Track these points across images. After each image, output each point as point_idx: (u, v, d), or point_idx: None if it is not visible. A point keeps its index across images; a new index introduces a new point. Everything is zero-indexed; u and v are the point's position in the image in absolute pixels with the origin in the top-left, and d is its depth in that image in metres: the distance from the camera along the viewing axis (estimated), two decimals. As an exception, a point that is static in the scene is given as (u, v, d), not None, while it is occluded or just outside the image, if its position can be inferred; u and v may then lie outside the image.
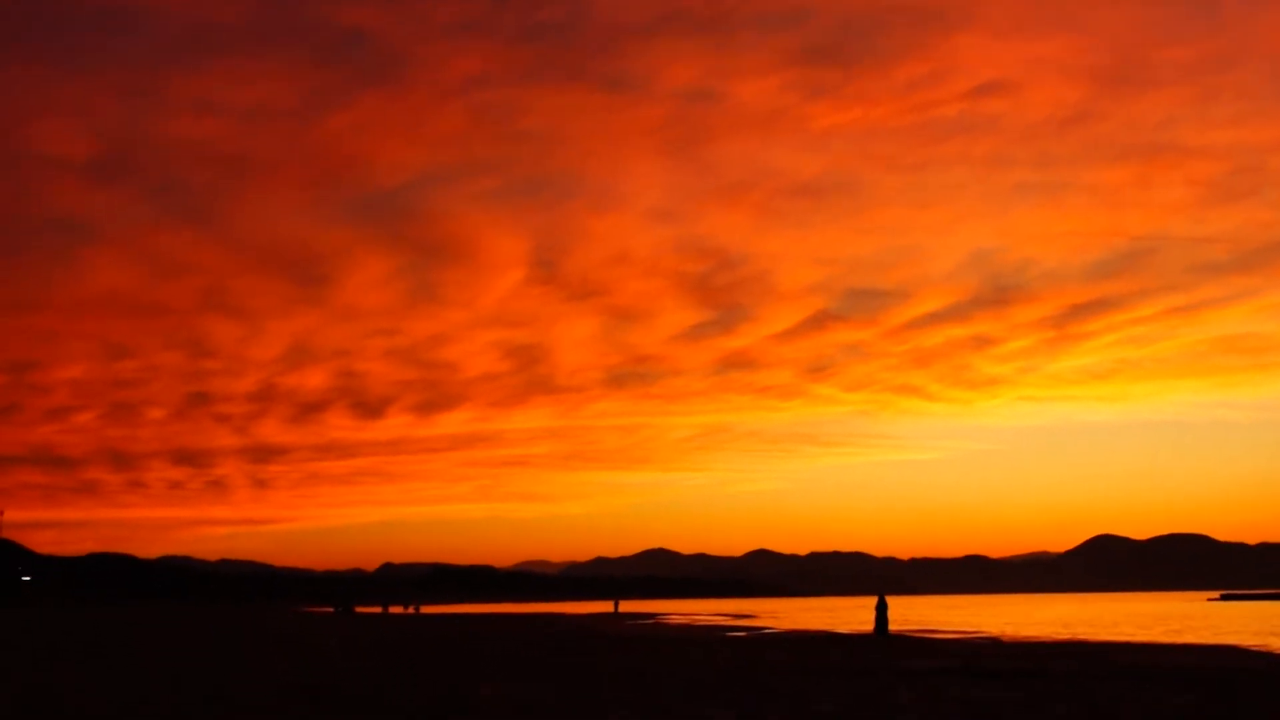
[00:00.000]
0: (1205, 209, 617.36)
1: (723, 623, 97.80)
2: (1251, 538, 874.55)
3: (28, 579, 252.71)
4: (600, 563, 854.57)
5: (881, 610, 56.17)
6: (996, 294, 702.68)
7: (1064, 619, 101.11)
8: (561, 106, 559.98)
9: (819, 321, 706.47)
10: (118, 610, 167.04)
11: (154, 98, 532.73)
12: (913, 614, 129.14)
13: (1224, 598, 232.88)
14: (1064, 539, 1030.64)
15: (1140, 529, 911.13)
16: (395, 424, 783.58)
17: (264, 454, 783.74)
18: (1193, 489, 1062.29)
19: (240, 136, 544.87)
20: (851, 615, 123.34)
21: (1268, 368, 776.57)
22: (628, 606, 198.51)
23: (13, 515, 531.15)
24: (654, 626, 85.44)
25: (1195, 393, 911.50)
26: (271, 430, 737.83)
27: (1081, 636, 62.34)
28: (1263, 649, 48.70)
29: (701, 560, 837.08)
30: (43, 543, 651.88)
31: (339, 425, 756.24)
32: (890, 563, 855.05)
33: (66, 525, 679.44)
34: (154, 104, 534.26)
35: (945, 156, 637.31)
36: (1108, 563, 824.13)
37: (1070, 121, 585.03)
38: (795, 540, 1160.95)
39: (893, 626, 63.72)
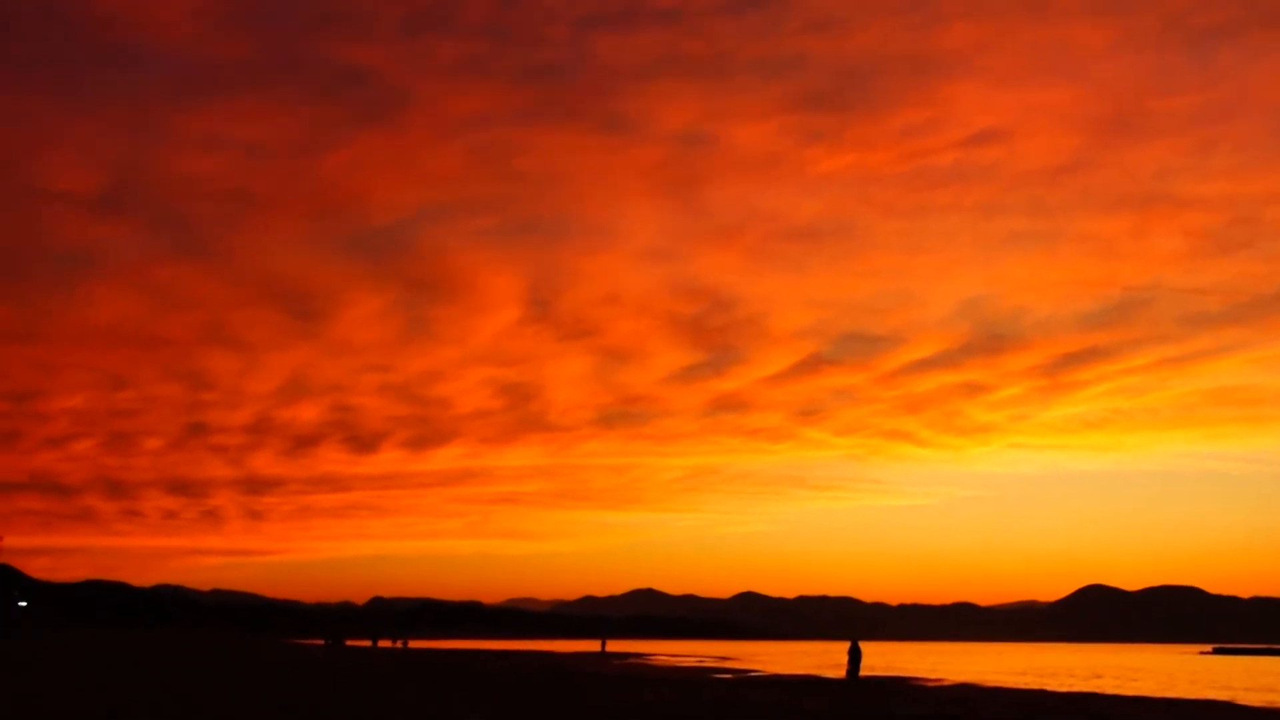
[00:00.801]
0: (1200, 260, 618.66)
1: (708, 664, 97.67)
2: (1244, 591, 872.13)
3: (24, 604, 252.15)
4: (588, 601, 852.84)
5: (854, 655, 56.23)
6: (989, 341, 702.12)
7: (1052, 669, 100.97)
8: (558, 147, 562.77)
9: (811, 365, 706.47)
10: (112, 637, 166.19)
11: (158, 133, 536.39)
12: (898, 660, 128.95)
13: (1216, 651, 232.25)
14: (1054, 588, 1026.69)
15: (1131, 580, 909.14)
16: (388, 459, 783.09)
17: (258, 486, 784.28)
18: (1184, 540, 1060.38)
19: (242, 172, 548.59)
20: (837, 660, 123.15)
21: (1260, 420, 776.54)
22: (615, 646, 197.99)
23: (11, 541, 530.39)
24: (639, 666, 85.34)
25: (1187, 444, 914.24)
26: (266, 462, 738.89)
27: (1070, 688, 62.35)
28: (1252, 704, 48.71)
29: (690, 601, 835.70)
30: (39, 569, 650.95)
31: (332, 459, 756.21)
32: (878, 608, 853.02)
33: (63, 552, 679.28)
34: (157, 139, 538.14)
35: (940, 203, 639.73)
36: (1098, 613, 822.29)
37: (1065, 170, 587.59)
38: (783, 583, 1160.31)
39: (879, 672, 63.67)
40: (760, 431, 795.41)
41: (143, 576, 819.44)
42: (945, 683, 65.62)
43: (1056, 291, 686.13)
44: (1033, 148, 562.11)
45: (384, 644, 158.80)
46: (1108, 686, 65.44)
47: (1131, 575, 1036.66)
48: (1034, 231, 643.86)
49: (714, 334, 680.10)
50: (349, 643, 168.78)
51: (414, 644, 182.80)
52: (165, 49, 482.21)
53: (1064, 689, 59.58)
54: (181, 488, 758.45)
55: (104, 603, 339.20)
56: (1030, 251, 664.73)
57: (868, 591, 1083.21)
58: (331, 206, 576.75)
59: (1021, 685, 64.17)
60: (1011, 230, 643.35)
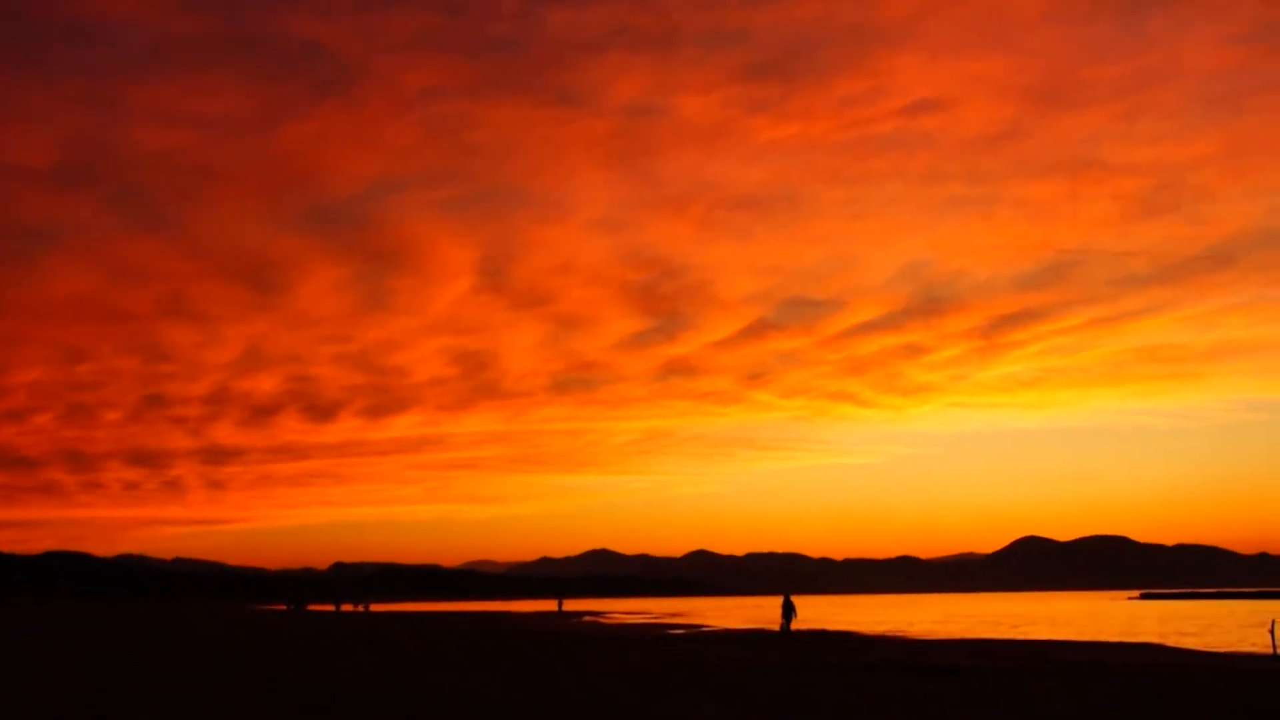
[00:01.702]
0: (1129, 223, 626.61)
1: (664, 620, 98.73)
2: (1169, 539, 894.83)
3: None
4: (545, 563, 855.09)
5: (787, 609, 57.65)
6: (928, 304, 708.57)
7: (992, 617, 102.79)
8: (511, 119, 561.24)
9: (758, 330, 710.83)
10: (76, 608, 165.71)
11: (116, 108, 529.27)
12: (845, 613, 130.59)
13: (1143, 596, 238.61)
14: (991, 540, 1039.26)
15: (1064, 531, 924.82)
16: (346, 427, 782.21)
17: (218, 456, 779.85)
18: (1114, 492, 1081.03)
19: (200, 146, 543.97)
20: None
21: (1186, 377, 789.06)
22: (572, 605, 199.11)
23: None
24: (597, 624, 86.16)
25: (1117, 400, 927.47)
26: (226, 432, 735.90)
27: (1009, 634, 63.71)
28: (1179, 646, 50.53)
29: (643, 560, 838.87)
30: (2, 542, 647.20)
31: (291, 428, 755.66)
32: (824, 563, 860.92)
33: (24, 524, 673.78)
34: (116, 114, 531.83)
35: (881, 171, 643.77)
36: (1033, 563, 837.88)
37: (1001, 138, 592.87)
38: (734, 541, 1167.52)
39: (829, 625, 65.10)
40: (710, 395, 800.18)
41: (105, 547, 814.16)
42: (906, 633, 66.81)
43: (993, 255, 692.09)
44: (970, 116, 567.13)
45: (346, 608, 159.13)
46: (1045, 632, 66.87)
47: (1064, 526, 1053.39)
48: (972, 197, 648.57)
49: (664, 301, 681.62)
50: (312, 607, 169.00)
51: (375, 608, 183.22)
52: (123, 23, 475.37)
53: (1010, 636, 60.87)
54: (142, 459, 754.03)
55: (67, 574, 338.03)
56: (968, 216, 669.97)
57: (814, 547, 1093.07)
58: (289, 180, 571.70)
59: (976, 635, 65.35)
60: (950, 196, 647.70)
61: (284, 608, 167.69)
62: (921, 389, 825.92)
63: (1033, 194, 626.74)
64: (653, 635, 61.31)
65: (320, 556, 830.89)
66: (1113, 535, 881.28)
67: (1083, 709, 19.41)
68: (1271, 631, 45.00)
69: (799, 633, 62.04)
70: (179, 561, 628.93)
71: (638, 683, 24.45)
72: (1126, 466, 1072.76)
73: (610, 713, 17.90)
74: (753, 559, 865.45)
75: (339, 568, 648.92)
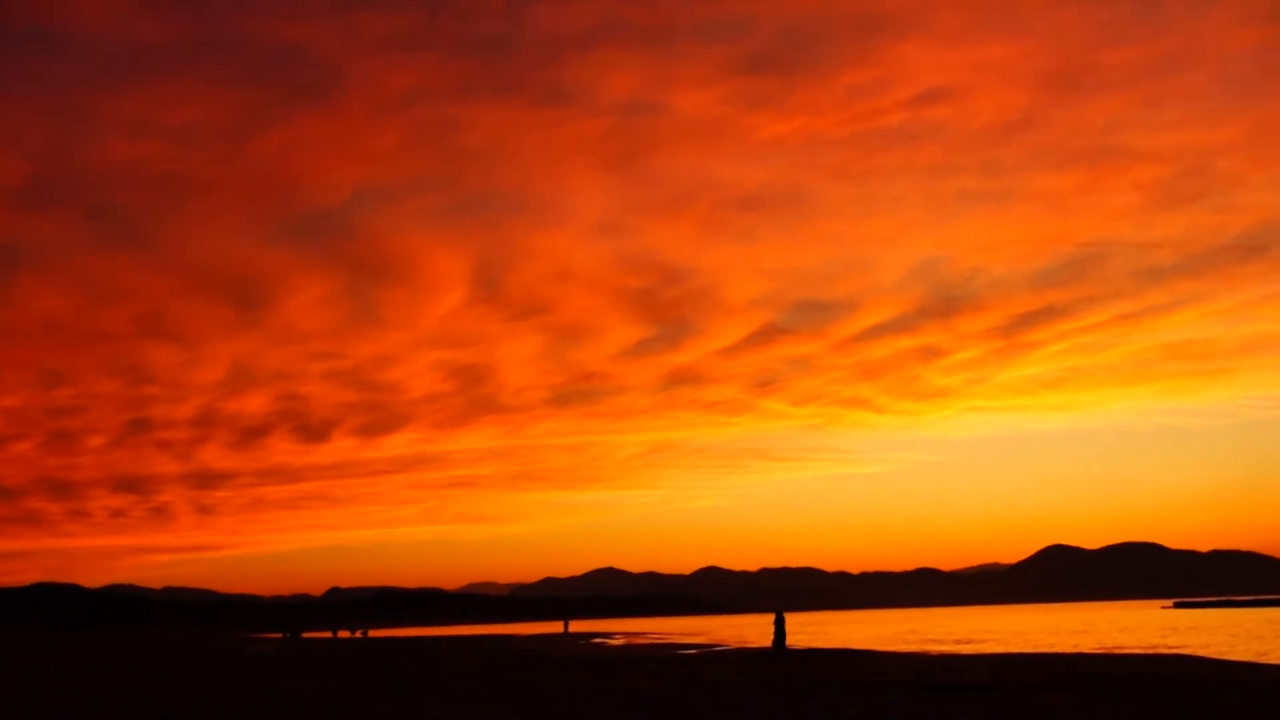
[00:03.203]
0: (1152, 214, 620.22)
1: (673, 640, 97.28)
2: (1203, 545, 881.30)
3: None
4: (549, 583, 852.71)
5: (780, 625, 56.57)
6: (944, 304, 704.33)
7: (1017, 630, 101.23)
8: (500, 121, 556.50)
9: (765, 335, 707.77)
10: (65, 640, 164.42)
11: (85, 120, 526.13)
12: (863, 629, 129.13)
13: (1177, 605, 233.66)
14: (1015, 550, 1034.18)
15: (1091, 538, 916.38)
16: (339, 447, 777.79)
17: (207, 480, 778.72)
18: (1143, 497, 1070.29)
19: (174, 158, 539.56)
20: (802, 630, 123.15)
21: (1216, 374, 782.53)
22: (578, 626, 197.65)
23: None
24: (603, 646, 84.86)
25: (1144, 400, 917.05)
26: (214, 456, 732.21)
27: (1034, 648, 62.30)
28: (1214, 657, 48.77)
29: (651, 578, 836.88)
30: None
31: (282, 449, 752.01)
32: (841, 577, 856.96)
33: (9, 555, 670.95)
34: (86, 126, 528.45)
35: (890, 165, 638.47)
36: (1060, 573, 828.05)
37: (1015, 127, 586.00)
38: (745, 557, 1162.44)
39: (844, 642, 63.91)
40: (717, 404, 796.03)
41: (93, 577, 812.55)
42: (925, 649, 65.46)
43: (1010, 251, 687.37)
44: (981, 105, 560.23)
45: (344, 634, 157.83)
46: (1070, 645, 65.47)
47: (1092, 534, 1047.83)
48: (986, 190, 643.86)
49: (666, 307, 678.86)
50: (309, 635, 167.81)
51: (374, 633, 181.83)
52: (88, 31, 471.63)
53: (1034, 649, 59.53)
54: (128, 485, 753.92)
55: (55, 606, 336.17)
56: (982, 211, 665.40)
57: (830, 561, 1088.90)
58: (268, 190, 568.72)
59: (999, 650, 64.11)
60: (963, 190, 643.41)
61: (279, 636, 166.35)
62: (939, 393, 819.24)
63: (1050, 185, 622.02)
64: (663, 657, 59.95)
65: (316, 582, 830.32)
66: (1143, 542, 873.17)
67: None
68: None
69: (802, 651, 60.73)
70: (169, 590, 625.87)
71: (644, 709, 23.13)
72: (1156, 469, 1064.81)
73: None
74: (765, 574, 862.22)
75: (335, 593, 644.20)
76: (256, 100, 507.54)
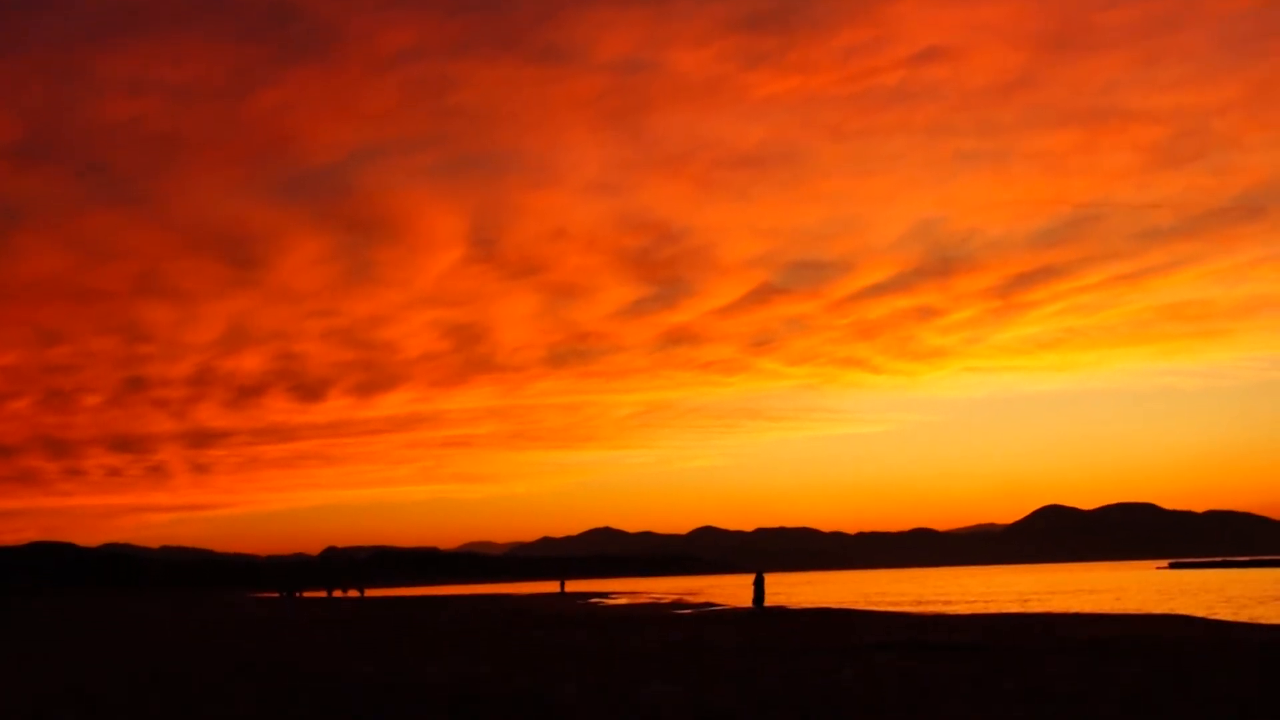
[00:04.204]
0: (1150, 174, 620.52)
1: (669, 600, 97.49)
2: (1199, 505, 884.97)
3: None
4: (546, 543, 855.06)
5: (759, 585, 57.00)
6: (940, 264, 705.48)
7: (1012, 591, 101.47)
8: (495, 79, 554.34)
9: (762, 295, 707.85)
10: (61, 599, 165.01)
11: (80, 78, 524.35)
12: (858, 588, 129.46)
13: (1172, 566, 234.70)
14: (1011, 510, 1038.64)
15: (1087, 499, 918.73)
16: (335, 406, 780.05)
17: (203, 439, 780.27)
18: (1139, 457, 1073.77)
19: (169, 116, 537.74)
20: (798, 592, 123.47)
21: (1213, 334, 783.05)
22: (574, 586, 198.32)
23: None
24: (600, 605, 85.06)
25: (1141, 360, 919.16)
26: (210, 414, 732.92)
27: (1029, 609, 62.42)
28: (1209, 617, 48.88)
29: (647, 538, 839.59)
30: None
31: (278, 408, 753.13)
32: (837, 537, 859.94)
33: (5, 514, 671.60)
34: (80, 84, 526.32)
35: (886, 125, 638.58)
36: (1055, 533, 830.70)
37: (1012, 87, 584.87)
38: (741, 516, 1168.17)
39: (838, 602, 64.34)
40: (713, 364, 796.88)
41: (90, 536, 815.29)
42: (920, 609, 65.57)
43: (1007, 211, 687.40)
44: (979, 65, 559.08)
45: (339, 594, 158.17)
46: (1064, 605, 65.60)
47: (1087, 494, 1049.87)
48: (983, 151, 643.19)
49: (662, 266, 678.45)
50: (306, 594, 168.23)
51: (371, 593, 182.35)
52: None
53: (1029, 610, 59.66)
54: (124, 444, 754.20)
55: (51, 565, 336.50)
56: (980, 171, 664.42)
57: (825, 521, 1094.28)
58: (264, 148, 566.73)
59: (994, 610, 64.23)
60: (960, 150, 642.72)
61: (276, 595, 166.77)
62: (935, 353, 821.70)
63: (1047, 146, 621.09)
64: (659, 616, 60.10)
65: (312, 541, 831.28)
66: (1139, 502, 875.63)
67: (1101, 689, 18.03)
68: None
69: (796, 611, 61.05)
70: (166, 550, 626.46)
71: (641, 665, 23.15)
72: (1152, 430, 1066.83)
73: (611, 699, 16.58)
74: (761, 534, 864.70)
75: (331, 552, 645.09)
76: (252, 58, 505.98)
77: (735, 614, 60.98)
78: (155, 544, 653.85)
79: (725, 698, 16.63)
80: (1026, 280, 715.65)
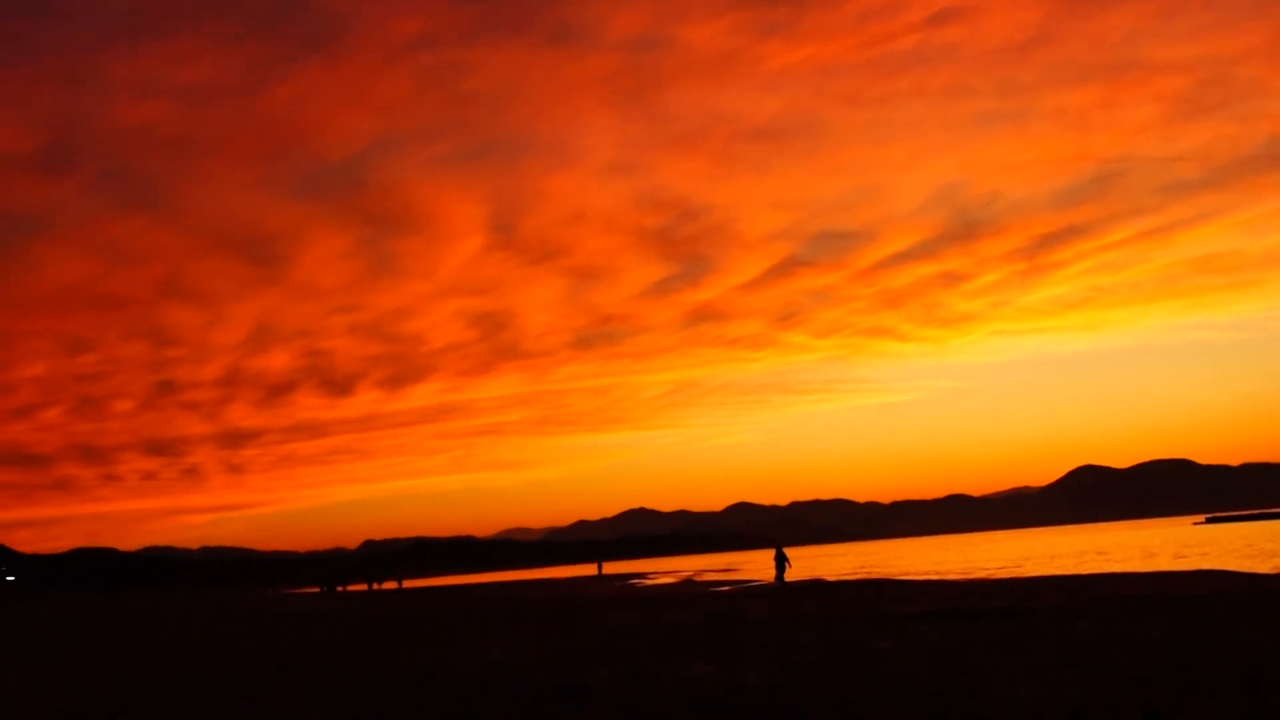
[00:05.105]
0: (1173, 126, 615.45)
1: (707, 578, 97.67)
2: (1234, 459, 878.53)
3: (11, 578, 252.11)
4: (581, 526, 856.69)
5: (780, 560, 57.24)
6: (964, 228, 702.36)
7: (1048, 553, 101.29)
8: (508, 64, 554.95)
9: (785, 268, 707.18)
10: (106, 603, 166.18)
11: (92, 84, 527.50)
12: (895, 558, 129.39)
13: (1209, 520, 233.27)
14: (1045, 473, 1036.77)
15: (1121, 457, 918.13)
16: (365, 400, 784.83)
17: (235, 439, 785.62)
18: (1173, 413, 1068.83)
19: (183, 117, 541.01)
20: (834, 563, 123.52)
21: (1243, 286, 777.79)
22: (611, 568, 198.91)
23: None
24: (639, 586, 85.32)
25: (1171, 316, 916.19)
26: (241, 414, 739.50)
27: (1066, 570, 62.33)
28: (1246, 571, 48.68)
29: (682, 517, 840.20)
30: (23, 541, 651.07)
31: (308, 405, 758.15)
32: (872, 507, 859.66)
33: (45, 523, 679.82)
34: (93, 90, 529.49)
35: (904, 90, 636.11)
36: (1090, 493, 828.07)
37: (1030, 45, 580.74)
38: (775, 491, 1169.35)
39: (875, 572, 64.32)
40: (740, 340, 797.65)
41: (129, 540, 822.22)
42: (955, 575, 65.55)
43: (1030, 171, 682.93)
44: (995, 24, 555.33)
45: (380, 586, 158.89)
46: (1102, 565, 65.48)
47: (1121, 453, 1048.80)
48: (1003, 111, 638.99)
49: (684, 244, 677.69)
50: (349, 588, 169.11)
51: (409, 583, 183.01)
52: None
53: (1065, 572, 59.57)
54: (158, 448, 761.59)
55: (93, 570, 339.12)
56: (1000, 132, 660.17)
57: (860, 492, 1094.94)
58: (280, 145, 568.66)
59: (1029, 574, 64.16)
60: (979, 112, 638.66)
61: (316, 590, 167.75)
62: (962, 318, 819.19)
63: (1068, 103, 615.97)
64: (697, 593, 60.29)
65: (350, 535, 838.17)
66: (1174, 459, 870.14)
67: (1139, 648, 18.03)
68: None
69: (833, 583, 61.06)
70: (205, 550, 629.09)
71: (677, 644, 23.26)
72: (1185, 385, 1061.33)
73: (645, 682, 16.71)
74: (796, 507, 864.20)
75: (369, 545, 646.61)
76: (262, 54, 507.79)
77: (770, 589, 61.09)
78: (194, 545, 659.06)
79: (760, 676, 16.74)
80: (1051, 240, 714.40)
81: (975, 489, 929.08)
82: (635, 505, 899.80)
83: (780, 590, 52.75)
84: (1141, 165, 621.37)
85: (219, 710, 16.48)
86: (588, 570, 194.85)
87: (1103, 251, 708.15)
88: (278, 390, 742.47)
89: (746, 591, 58.86)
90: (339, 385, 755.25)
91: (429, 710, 14.61)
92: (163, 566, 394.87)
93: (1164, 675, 14.47)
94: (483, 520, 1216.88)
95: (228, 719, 15.17)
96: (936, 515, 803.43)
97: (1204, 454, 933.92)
